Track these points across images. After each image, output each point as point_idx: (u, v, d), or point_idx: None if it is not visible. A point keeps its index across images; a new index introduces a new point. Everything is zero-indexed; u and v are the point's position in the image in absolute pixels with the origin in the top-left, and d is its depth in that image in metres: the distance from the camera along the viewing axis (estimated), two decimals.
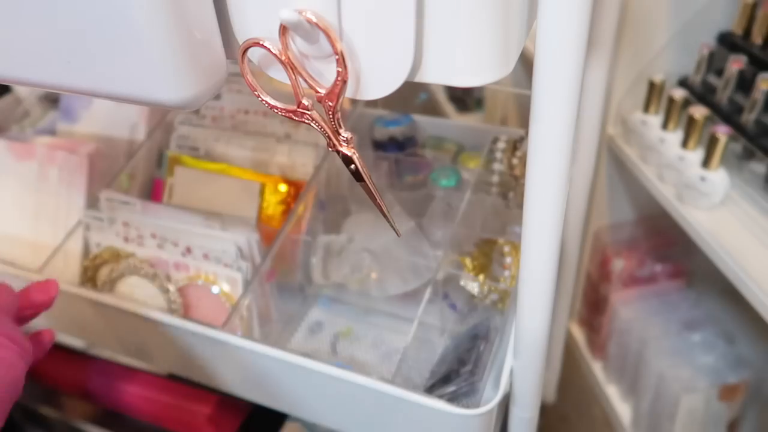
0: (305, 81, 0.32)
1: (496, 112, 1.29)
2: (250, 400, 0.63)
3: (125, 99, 0.33)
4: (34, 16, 0.31)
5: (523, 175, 0.68)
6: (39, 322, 0.73)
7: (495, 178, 0.71)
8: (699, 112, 0.72)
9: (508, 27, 0.30)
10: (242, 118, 0.77)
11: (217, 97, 0.78)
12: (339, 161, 0.40)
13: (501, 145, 0.71)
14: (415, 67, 0.30)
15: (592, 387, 1.09)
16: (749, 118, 0.71)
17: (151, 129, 0.77)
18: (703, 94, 0.78)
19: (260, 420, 0.75)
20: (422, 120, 0.79)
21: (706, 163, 0.72)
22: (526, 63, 0.75)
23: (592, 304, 1.07)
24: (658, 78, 0.79)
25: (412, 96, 1.13)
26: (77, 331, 0.69)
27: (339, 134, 0.35)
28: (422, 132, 0.80)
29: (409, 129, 0.77)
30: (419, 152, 0.78)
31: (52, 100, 0.86)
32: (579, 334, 1.13)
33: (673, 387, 0.88)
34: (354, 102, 0.80)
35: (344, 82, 0.31)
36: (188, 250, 0.64)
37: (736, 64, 0.73)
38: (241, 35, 0.32)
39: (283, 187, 0.69)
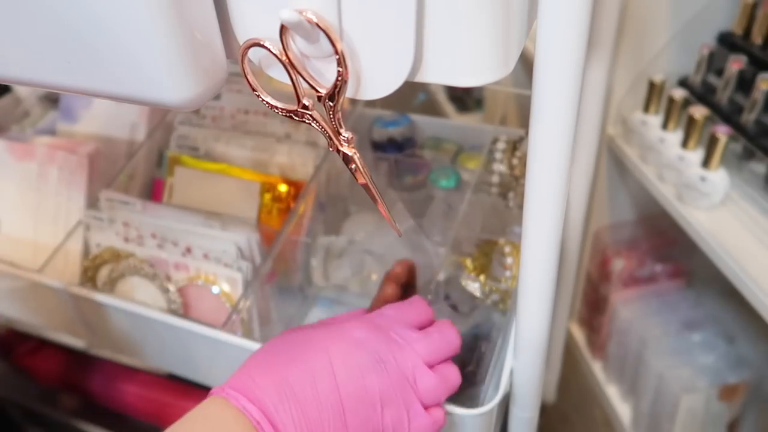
0: (305, 81, 0.32)
1: (496, 112, 1.29)
2: None
3: (125, 99, 0.33)
4: (34, 16, 0.31)
5: (523, 175, 0.68)
6: (38, 321, 0.73)
7: (495, 179, 0.71)
8: (699, 112, 0.72)
9: (508, 27, 0.30)
10: (242, 118, 0.77)
11: (217, 97, 0.78)
12: (339, 161, 0.40)
13: (501, 145, 0.71)
14: (415, 67, 0.30)
15: (592, 387, 1.09)
16: (749, 118, 0.71)
17: (151, 129, 0.77)
18: (703, 94, 0.78)
19: None
20: (421, 120, 0.79)
21: (706, 163, 0.72)
22: (526, 63, 0.75)
23: (592, 304, 1.07)
24: (658, 78, 0.79)
25: (411, 96, 1.13)
26: (77, 331, 0.69)
27: (339, 134, 0.35)
28: (421, 132, 0.80)
29: (408, 130, 0.77)
30: (418, 153, 0.78)
31: (52, 100, 0.86)
32: (579, 334, 1.13)
33: (673, 387, 0.88)
34: (354, 102, 0.80)
35: (344, 82, 0.31)
36: (188, 250, 0.64)
37: (736, 64, 0.73)
38: (242, 35, 0.32)
39: (283, 187, 0.69)
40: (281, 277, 0.68)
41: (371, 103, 0.80)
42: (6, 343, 0.90)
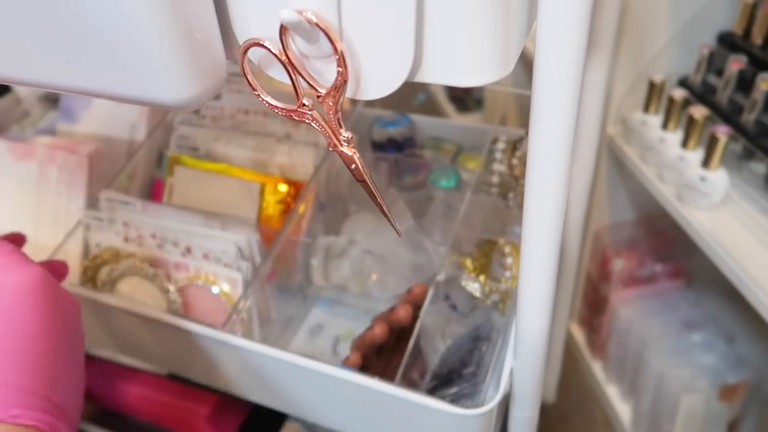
0: (305, 81, 0.32)
1: (496, 112, 1.29)
2: (250, 400, 0.63)
3: (125, 99, 0.33)
4: (34, 16, 0.31)
5: (523, 175, 0.68)
6: None
7: (495, 179, 0.70)
8: (699, 112, 0.72)
9: (508, 27, 0.30)
10: (242, 118, 0.77)
11: (217, 97, 0.78)
12: (339, 161, 0.40)
13: (501, 145, 0.71)
14: (415, 67, 0.30)
15: (592, 387, 1.09)
16: (749, 118, 0.71)
17: (151, 129, 0.77)
18: (703, 94, 0.78)
19: (260, 420, 0.75)
20: (421, 120, 0.79)
21: (706, 163, 0.72)
22: (526, 63, 0.75)
23: (592, 304, 1.07)
24: (658, 78, 0.79)
25: (411, 96, 1.13)
26: None
27: (340, 134, 0.35)
28: (421, 132, 0.80)
29: (408, 130, 0.77)
30: (418, 153, 0.78)
31: (52, 100, 0.86)
32: (579, 334, 1.13)
33: (673, 387, 0.88)
34: (354, 102, 0.80)
35: (344, 82, 0.31)
36: (188, 250, 0.64)
37: (736, 64, 0.73)
38: (242, 35, 0.32)
39: (283, 187, 0.69)
40: (281, 277, 0.68)
41: (371, 103, 0.80)
42: None
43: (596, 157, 0.76)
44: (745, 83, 0.73)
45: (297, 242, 0.69)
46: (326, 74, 0.32)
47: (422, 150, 0.78)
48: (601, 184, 0.95)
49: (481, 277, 0.61)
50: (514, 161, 0.70)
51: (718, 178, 0.71)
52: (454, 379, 0.55)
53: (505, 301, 0.60)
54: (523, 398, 0.51)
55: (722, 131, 0.70)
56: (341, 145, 0.35)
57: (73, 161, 0.70)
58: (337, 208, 0.75)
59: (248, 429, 0.75)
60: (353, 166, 0.36)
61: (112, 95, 0.33)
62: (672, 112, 0.77)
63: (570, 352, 1.12)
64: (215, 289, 0.63)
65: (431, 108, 1.51)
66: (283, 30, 0.30)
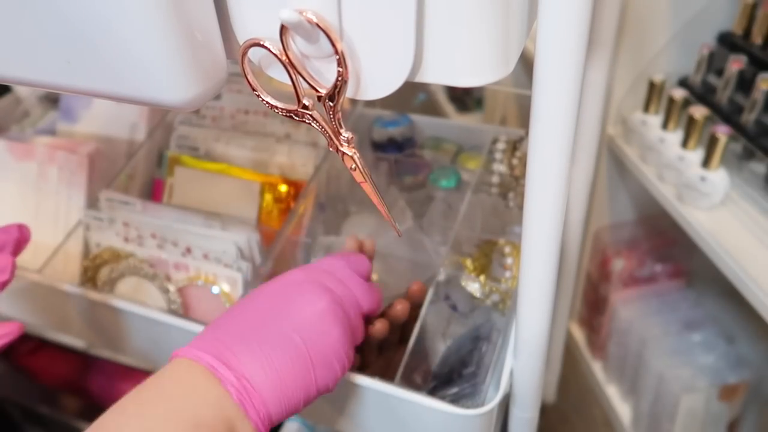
0: (305, 81, 0.32)
1: (496, 112, 1.29)
2: None
3: (125, 99, 0.33)
4: (34, 16, 0.31)
5: (523, 175, 0.68)
6: (38, 321, 0.73)
7: (495, 179, 0.70)
8: (699, 112, 0.72)
9: (509, 27, 0.30)
10: (242, 118, 0.77)
11: (217, 97, 0.78)
12: (339, 161, 0.40)
13: (501, 145, 0.71)
14: (415, 67, 0.30)
15: (592, 387, 1.09)
16: (749, 118, 0.71)
17: (151, 129, 0.77)
18: (703, 94, 0.78)
19: None
20: (421, 120, 0.79)
21: (706, 163, 0.72)
22: (526, 63, 0.75)
23: (592, 304, 1.07)
24: (658, 78, 0.79)
25: (411, 96, 1.13)
26: (77, 331, 0.69)
27: (340, 134, 0.35)
28: (421, 132, 0.80)
29: (408, 130, 0.77)
30: (418, 153, 0.78)
31: (52, 100, 0.86)
32: (579, 334, 1.13)
33: (673, 387, 0.88)
34: (354, 102, 0.80)
35: (344, 82, 0.31)
36: (188, 251, 0.64)
37: (736, 64, 0.73)
38: (242, 35, 0.32)
39: (283, 187, 0.69)
40: None
41: (371, 103, 0.80)
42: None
43: (596, 157, 0.76)
44: (745, 83, 0.73)
45: (297, 242, 0.69)
46: (326, 74, 0.32)
47: (422, 150, 0.78)
48: (601, 184, 0.95)
49: (481, 277, 0.61)
50: (514, 161, 0.70)
51: (718, 178, 0.71)
52: (454, 379, 0.55)
53: (505, 301, 0.60)
54: (523, 398, 0.51)
55: (722, 131, 0.70)
56: (341, 145, 0.35)
57: (73, 161, 0.70)
58: (337, 208, 0.75)
59: None
60: (353, 166, 0.36)
61: (112, 95, 0.33)
62: (672, 112, 0.77)
63: (570, 352, 1.12)
64: (215, 290, 0.63)
65: (431, 108, 1.51)
66: (283, 30, 0.30)
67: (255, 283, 0.63)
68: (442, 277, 0.61)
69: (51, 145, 0.72)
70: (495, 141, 0.72)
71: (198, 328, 0.57)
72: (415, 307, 0.57)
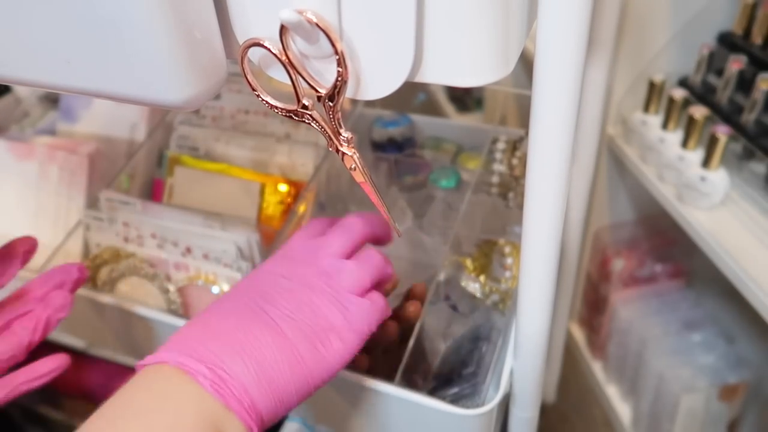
0: (305, 81, 0.32)
1: (496, 112, 1.29)
2: None
3: (125, 99, 0.33)
4: (34, 16, 0.31)
5: (523, 175, 0.68)
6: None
7: (495, 179, 0.70)
8: (699, 112, 0.72)
9: (508, 27, 0.30)
10: (242, 118, 0.77)
11: (217, 97, 0.78)
12: (339, 161, 0.40)
13: (501, 145, 0.71)
14: (415, 67, 0.30)
15: (592, 387, 1.09)
16: (749, 118, 0.71)
17: (151, 129, 0.77)
18: (703, 94, 0.78)
19: None
20: (421, 120, 0.79)
21: (706, 163, 0.72)
22: (526, 63, 0.75)
23: (592, 304, 1.07)
24: (658, 78, 0.79)
25: (411, 96, 1.13)
26: (77, 331, 0.69)
27: (339, 134, 0.35)
28: (421, 132, 0.80)
29: (408, 130, 0.77)
30: (418, 153, 0.78)
31: (52, 100, 0.86)
32: (579, 334, 1.13)
33: (673, 387, 0.88)
34: (354, 102, 0.80)
35: (344, 82, 0.31)
36: (188, 250, 0.64)
37: (736, 64, 0.73)
38: (242, 35, 0.32)
39: (283, 187, 0.69)
40: None
41: (371, 103, 0.80)
42: None
43: (596, 157, 0.76)
44: (745, 83, 0.73)
45: None
46: (326, 74, 0.32)
47: (422, 150, 0.78)
48: (601, 184, 0.95)
49: (481, 277, 0.61)
50: (514, 161, 0.70)
51: (718, 178, 0.71)
52: (454, 379, 0.55)
53: (505, 301, 0.60)
54: (523, 398, 0.51)
55: (722, 131, 0.70)
56: (341, 145, 0.35)
57: (73, 161, 0.70)
58: (337, 208, 0.75)
59: None
60: (353, 166, 0.36)
61: (112, 95, 0.33)
62: (672, 112, 0.77)
63: (570, 352, 1.12)
64: (215, 290, 0.63)
65: (431, 108, 1.51)
66: (283, 30, 0.30)
67: None
68: (442, 277, 0.61)
69: (51, 145, 0.72)
70: (495, 141, 0.72)
71: None
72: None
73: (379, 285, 0.45)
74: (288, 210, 0.69)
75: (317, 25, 0.29)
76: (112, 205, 0.68)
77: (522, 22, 0.31)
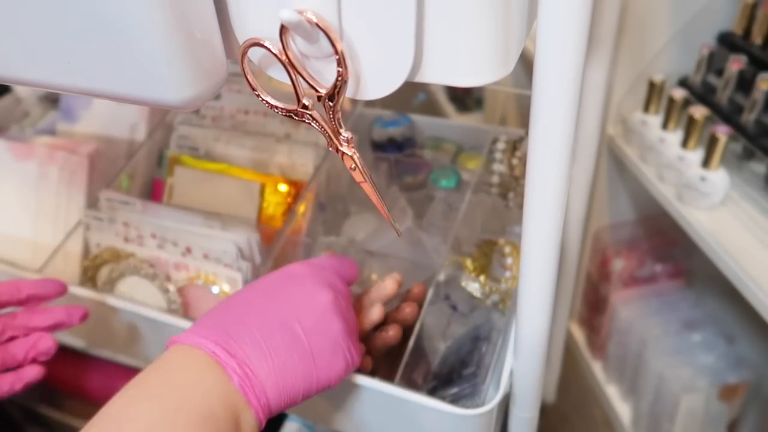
0: (305, 81, 0.32)
1: (496, 112, 1.29)
2: None
3: (125, 99, 0.33)
4: (35, 16, 0.31)
5: (523, 175, 0.68)
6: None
7: (495, 179, 0.70)
8: (699, 112, 0.72)
9: (508, 27, 0.30)
10: (242, 118, 0.77)
11: (217, 97, 0.78)
12: (339, 161, 0.40)
13: (501, 145, 0.71)
14: (415, 67, 0.30)
15: (592, 387, 1.09)
16: (749, 118, 0.71)
17: (151, 129, 0.77)
18: (703, 94, 0.78)
19: None
20: (421, 120, 0.79)
21: (706, 163, 0.72)
22: (526, 63, 0.75)
23: (592, 304, 1.07)
24: (658, 78, 0.79)
25: (411, 96, 1.13)
26: (77, 331, 0.69)
27: (339, 134, 0.35)
28: (421, 132, 0.80)
29: (408, 130, 0.77)
30: (418, 153, 0.78)
31: (52, 100, 0.86)
32: (579, 334, 1.13)
33: (673, 387, 0.88)
34: (354, 102, 0.80)
35: (344, 82, 0.31)
36: (188, 250, 0.64)
37: (736, 64, 0.73)
38: (242, 35, 0.32)
39: (283, 187, 0.69)
40: None
41: (371, 103, 0.80)
42: None
43: (596, 157, 0.76)
44: (745, 83, 0.73)
45: (297, 242, 0.69)
46: (326, 74, 0.32)
47: (422, 150, 0.78)
48: (601, 184, 0.95)
49: (481, 277, 0.61)
50: (514, 161, 0.70)
51: (718, 178, 0.71)
52: (454, 379, 0.55)
53: (505, 301, 0.60)
54: (523, 398, 0.51)
55: (722, 131, 0.70)
56: (341, 145, 0.35)
57: (73, 161, 0.70)
58: (337, 208, 0.75)
59: None
60: (353, 166, 0.36)
61: (112, 95, 0.33)
62: (672, 112, 0.77)
63: (570, 352, 1.12)
64: (215, 289, 0.63)
65: (431, 108, 1.51)
66: (283, 30, 0.30)
67: None
68: (442, 277, 0.61)
69: (51, 145, 0.72)
70: (495, 141, 0.72)
71: None
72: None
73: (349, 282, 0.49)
74: (288, 210, 0.69)
75: (317, 25, 0.29)
76: (112, 205, 0.68)
77: (522, 22, 0.31)
